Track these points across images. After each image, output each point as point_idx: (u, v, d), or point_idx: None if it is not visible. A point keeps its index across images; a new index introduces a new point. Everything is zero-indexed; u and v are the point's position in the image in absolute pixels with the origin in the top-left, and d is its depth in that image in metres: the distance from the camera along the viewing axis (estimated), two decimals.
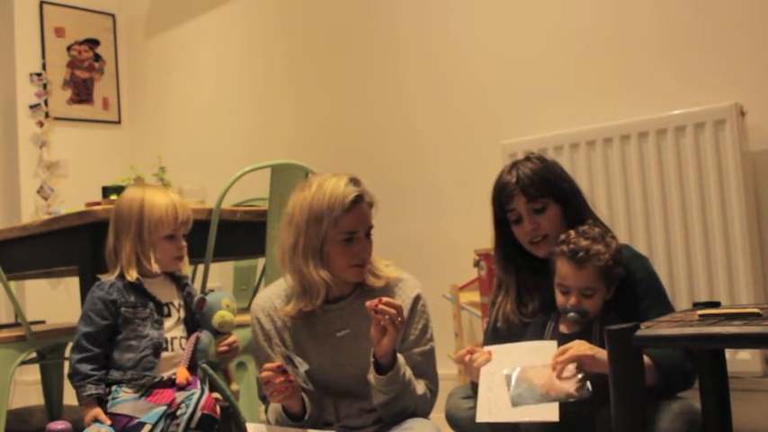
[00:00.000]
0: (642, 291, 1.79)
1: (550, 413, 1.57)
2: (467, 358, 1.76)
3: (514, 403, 1.61)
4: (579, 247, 1.72)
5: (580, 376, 1.59)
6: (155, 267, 1.96)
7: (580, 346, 1.62)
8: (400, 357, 1.78)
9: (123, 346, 1.89)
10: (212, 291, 2.19)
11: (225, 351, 2.01)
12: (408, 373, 1.79)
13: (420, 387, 1.83)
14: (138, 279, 1.94)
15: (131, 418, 1.80)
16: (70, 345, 2.10)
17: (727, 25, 2.36)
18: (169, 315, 1.97)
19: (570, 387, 1.58)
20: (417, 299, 1.90)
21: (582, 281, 1.72)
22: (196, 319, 2.03)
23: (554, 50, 2.75)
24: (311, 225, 1.81)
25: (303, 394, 1.80)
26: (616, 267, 1.75)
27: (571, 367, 1.60)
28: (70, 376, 1.88)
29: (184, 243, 2.02)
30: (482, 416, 1.63)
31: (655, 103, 2.45)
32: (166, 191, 2.05)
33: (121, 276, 1.94)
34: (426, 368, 1.87)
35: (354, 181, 1.85)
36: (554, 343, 1.68)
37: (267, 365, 1.74)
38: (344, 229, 1.81)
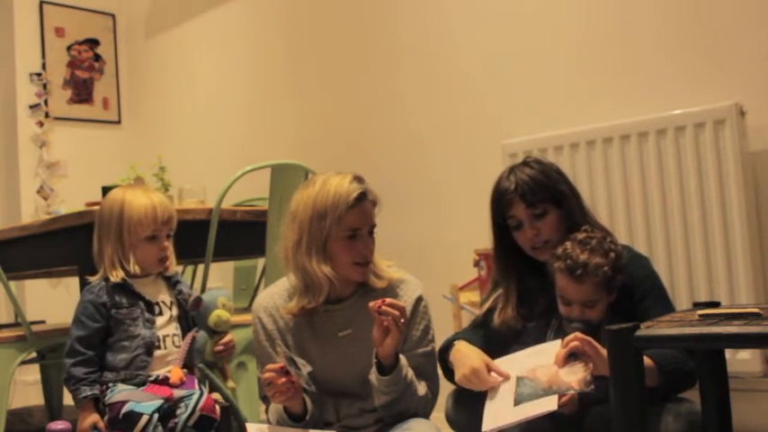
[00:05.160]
0: (643, 291, 1.79)
1: (549, 404, 1.54)
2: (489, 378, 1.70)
3: (516, 402, 1.59)
4: (577, 263, 1.69)
5: (586, 372, 1.56)
6: (135, 269, 1.96)
7: (577, 336, 1.59)
8: (402, 358, 1.77)
9: (116, 347, 1.90)
10: (210, 289, 2.17)
11: (221, 351, 2.01)
12: (410, 374, 1.79)
13: (421, 388, 1.82)
14: (124, 280, 1.94)
15: (125, 402, 1.80)
16: None
17: (727, 25, 2.36)
18: (161, 314, 1.98)
19: (573, 380, 1.55)
20: (419, 300, 1.89)
21: (582, 295, 1.71)
22: (191, 316, 2.03)
23: (554, 50, 2.75)
24: (315, 222, 1.81)
25: (304, 395, 1.80)
26: (617, 276, 1.72)
27: (579, 364, 1.58)
28: (65, 381, 1.89)
29: (168, 243, 2.01)
30: (487, 424, 1.60)
31: (655, 103, 2.45)
32: (148, 191, 2.03)
33: (108, 278, 1.94)
34: (427, 369, 1.86)
35: (358, 179, 1.86)
36: (559, 341, 1.65)
37: (269, 366, 1.74)
38: (348, 227, 1.81)
